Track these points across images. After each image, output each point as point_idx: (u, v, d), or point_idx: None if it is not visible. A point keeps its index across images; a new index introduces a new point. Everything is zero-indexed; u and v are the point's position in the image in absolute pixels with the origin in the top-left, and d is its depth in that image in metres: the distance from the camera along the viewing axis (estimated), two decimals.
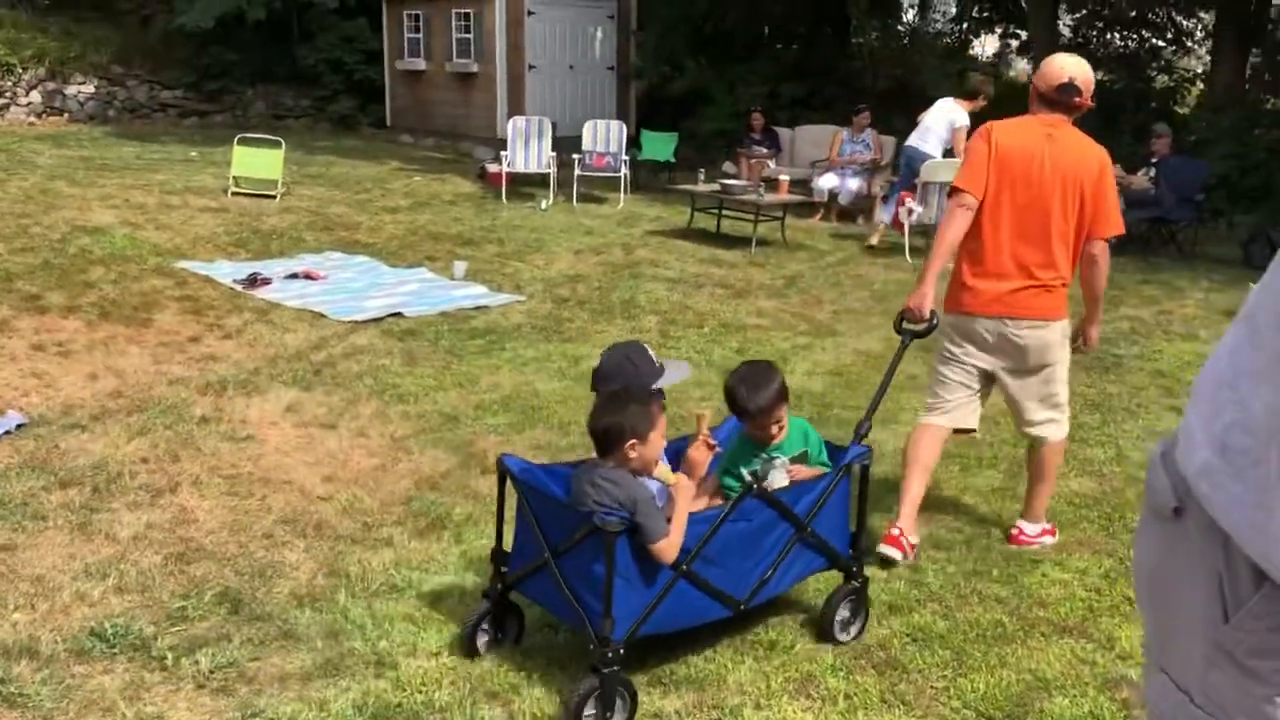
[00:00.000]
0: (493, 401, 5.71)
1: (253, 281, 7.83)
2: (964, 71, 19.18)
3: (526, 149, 13.00)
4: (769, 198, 10.37)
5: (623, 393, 3.20)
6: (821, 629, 3.55)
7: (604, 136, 13.27)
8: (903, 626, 3.68)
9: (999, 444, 5.45)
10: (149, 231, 9.46)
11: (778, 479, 3.43)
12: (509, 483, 3.28)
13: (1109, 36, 17.67)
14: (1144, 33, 17.34)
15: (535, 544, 3.18)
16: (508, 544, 3.37)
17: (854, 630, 3.58)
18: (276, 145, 11.85)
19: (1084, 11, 17.31)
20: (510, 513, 3.35)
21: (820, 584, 3.80)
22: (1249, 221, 12.23)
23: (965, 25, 19.64)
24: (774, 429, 3.59)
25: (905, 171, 10.67)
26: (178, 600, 3.57)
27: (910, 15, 19.64)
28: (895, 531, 4.10)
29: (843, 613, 3.56)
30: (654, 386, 3.31)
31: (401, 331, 6.95)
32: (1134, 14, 16.72)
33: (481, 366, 6.32)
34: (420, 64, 17.96)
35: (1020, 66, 20.35)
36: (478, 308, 7.63)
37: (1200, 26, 17.19)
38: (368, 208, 11.59)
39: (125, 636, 3.33)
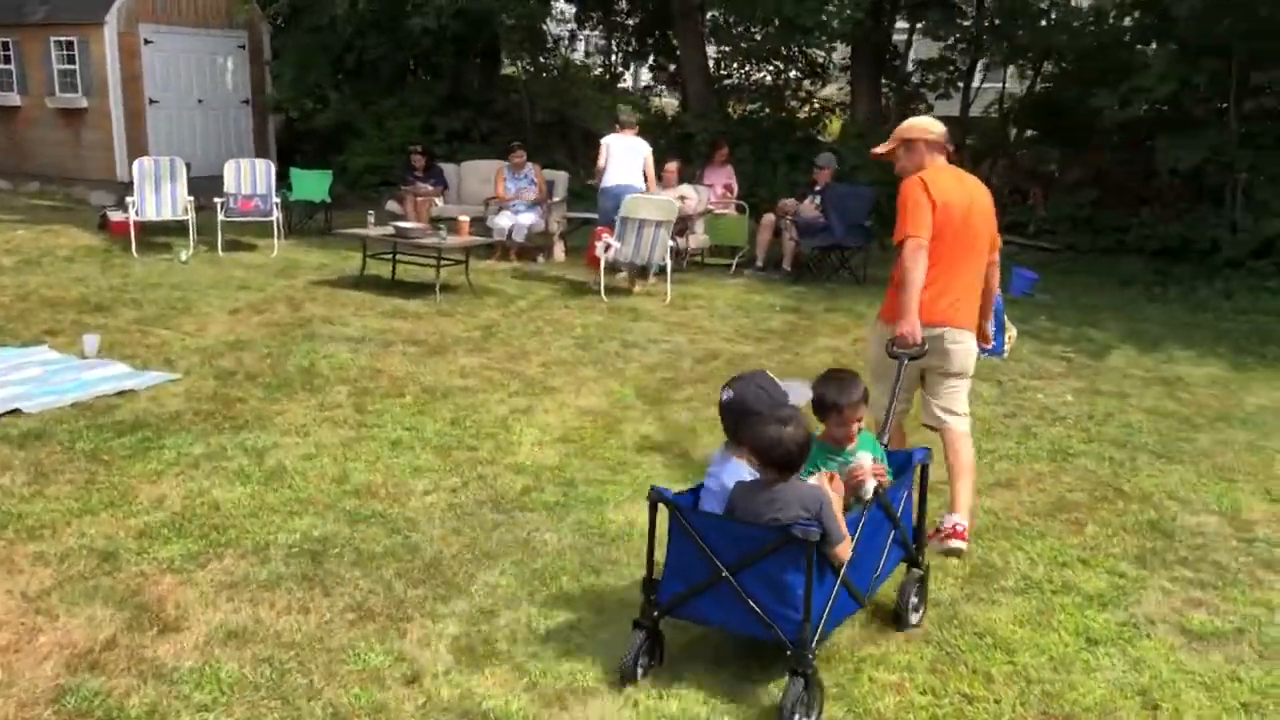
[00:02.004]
0: (160, 525, 4.48)
1: None
2: (616, 103, 19.23)
3: (157, 193, 11.32)
4: (451, 240, 9.50)
5: (793, 415, 3.44)
6: (896, 615, 3.87)
7: (249, 176, 11.85)
8: None
9: None
10: None
11: (871, 483, 3.74)
12: (661, 512, 3.48)
13: (746, 69, 18.23)
14: (779, 65, 18.03)
15: (701, 566, 3.38)
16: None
17: (920, 613, 3.95)
18: None
19: (728, 47, 17.73)
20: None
21: None
22: None
23: (616, 58, 19.64)
24: (855, 429, 3.89)
25: (609, 207, 10.18)
26: None
27: (562, 47, 19.36)
28: (962, 526, 4.57)
29: (913, 599, 3.91)
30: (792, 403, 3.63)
31: (22, 435, 5.47)
32: (768, 47, 17.33)
33: (137, 475, 5.02)
34: (13, 98, 15.47)
35: (667, 99, 20.66)
36: (121, 393, 6.22)
37: (829, 60, 18.11)
38: None
39: None
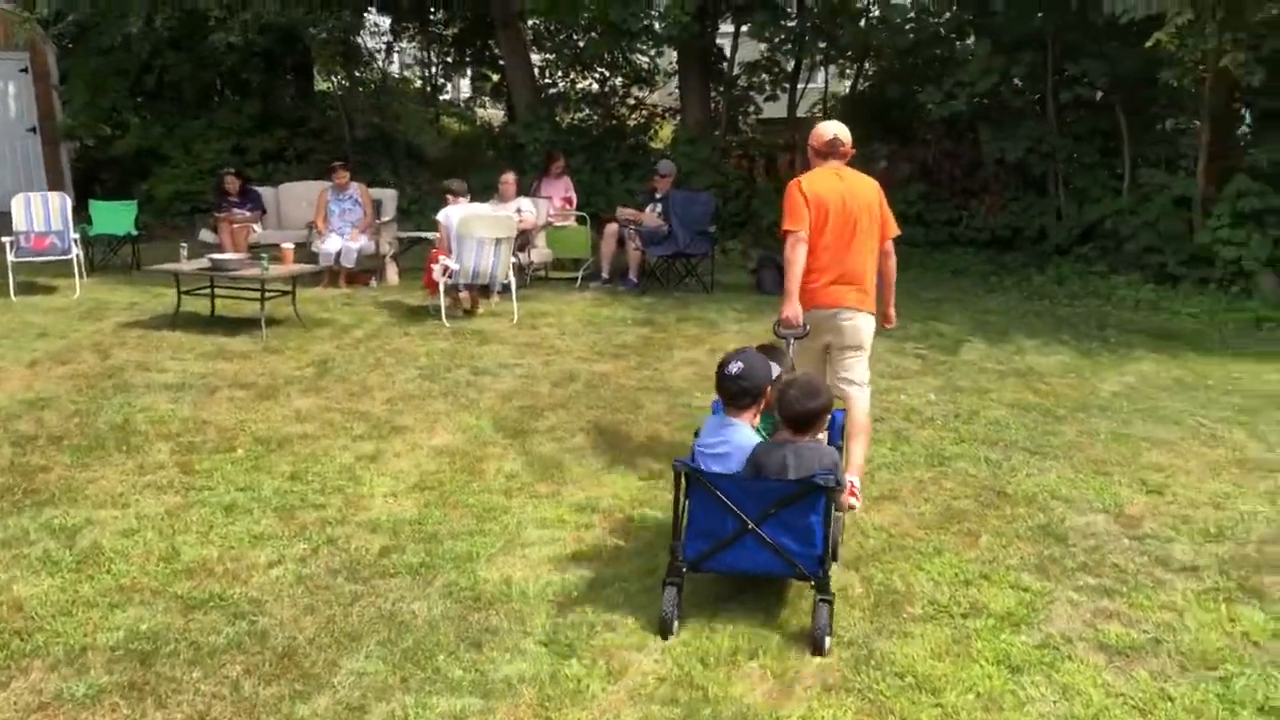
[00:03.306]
0: None
1: None
2: (439, 116, 18.63)
3: None
4: (275, 270, 8.78)
5: (809, 382, 4.17)
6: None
7: (41, 211, 10.77)
8: None
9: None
10: None
11: None
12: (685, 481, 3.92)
13: (572, 77, 17.88)
14: (605, 72, 17.76)
15: (725, 522, 3.88)
16: None
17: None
18: None
19: (552, 55, 17.36)
20: None
21: None
22: (755, 250, 12.70)
23: (436, 70, 18.99)
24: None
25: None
26: None
27: (379, 60, 18.57)
28: (856, 485, 5.00)
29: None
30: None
31: None
32: (590, 54, 17.04)
33: None
34: None
35: (492, 110, 20.14)
36: None
37: (654, 65, 17.94)
38: None
39: None
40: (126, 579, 4.20)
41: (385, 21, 18.85)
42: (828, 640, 3.74)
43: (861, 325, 5.18)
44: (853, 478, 4.89)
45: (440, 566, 4.36)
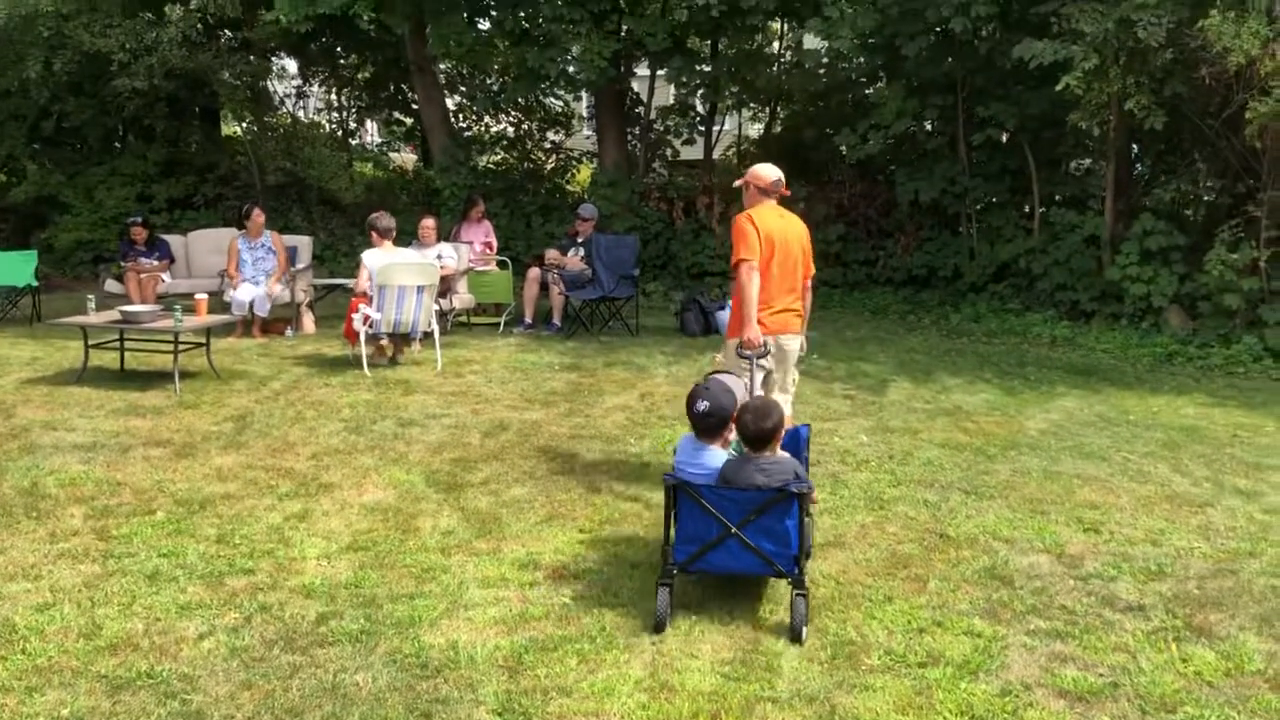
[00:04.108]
0: None
1: None
2: (352, 161, 18.36)
3: None
4: (189, 321, 8.47)
5: (762, 405, 4.66)
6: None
7: None
8: None
9: None
10: None
11: None
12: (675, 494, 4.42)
13: (486, 121, 17.77)
14: (519, 115, 17.70)
15: (710, 527, 4.32)
16: None
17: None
18: None
19: (466, 100, 17.24)
20: None
21: None
22: (677, 292, 12.69)
23: (348, 114, 18.72)
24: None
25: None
26: None
27: (289, 105, 18.23)
28: None
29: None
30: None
31: None
32: (502, 98, 16.97)
33: None
34: None
35: (406, 154, 19.91)
36: None
37: (568, 109, 17.95)
38: None
39: None
40: (44, 659, 3.93)
41: (293, 65, 18.55)
42: (805, 629, 4.15)
43: (796, 346, 5.81)
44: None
45: (382, 632, 4.17)
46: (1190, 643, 4.17)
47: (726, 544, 4.31)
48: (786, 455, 4.66)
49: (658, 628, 4.18)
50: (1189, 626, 4.32)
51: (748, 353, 5.43)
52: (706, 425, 4.66)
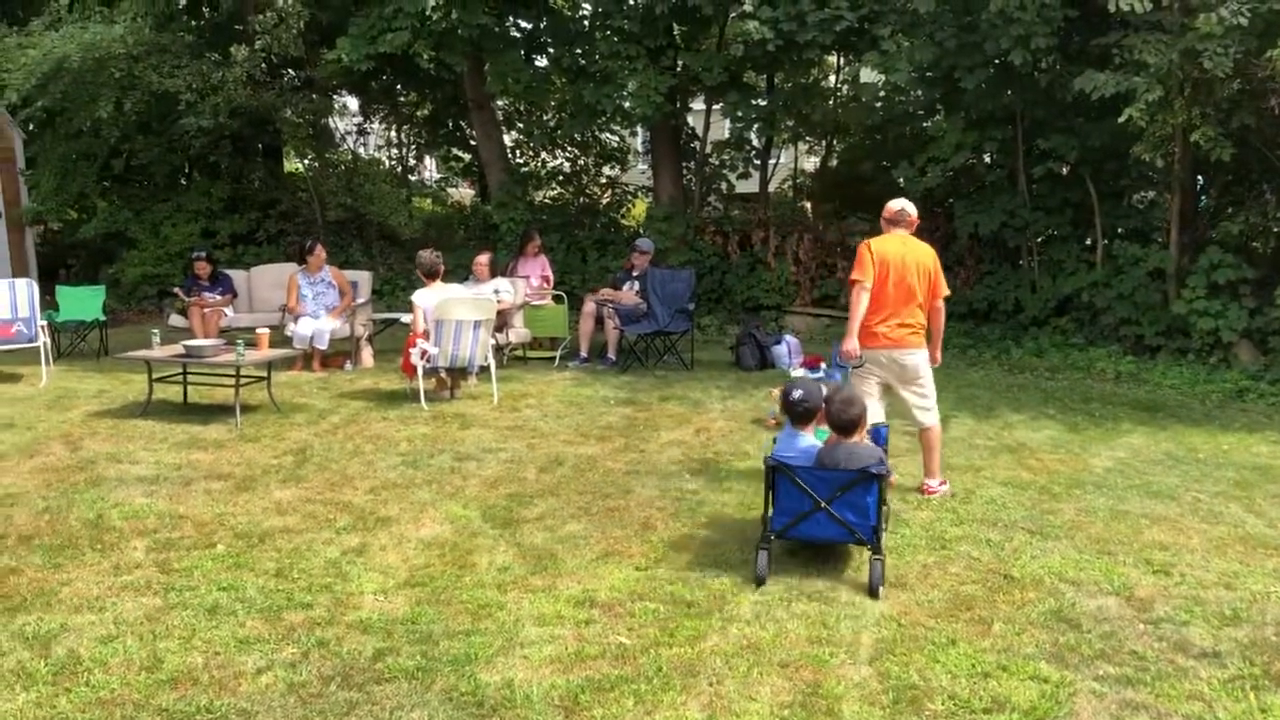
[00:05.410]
0: None
1: None
2: (411, 197, 18.60)
3: None
4: (251, 355, 8.60)
5: (847, 395, 5.47)
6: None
7: (6, 298, 10.53)
8: None
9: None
10: None
11: None
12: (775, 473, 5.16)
13: (542, 157, 17.93)
14: (575, 151, 17.83)
15: (802, 501, 5.09)
16: None
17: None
18: None
19: (523, 136, 17.40)
20: None
21: None
22: (732, 327, 12.63)
23: (407, 151, 19.01)
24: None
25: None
26: None
27: (350, 142, 18.57)
28: (931, 486, 6.66)
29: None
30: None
31: None
32: (559, 133, 17.11)
33: None
34: None
35: (464, 190, 20.15)
36: None
37: (624, 144, 18.05)
38: None
39: None
40: (107, 691, 3.97)
41: (354, 103, 18.90)
42: (881, 588, 4.92)
43: (918, 361, 6.38)
44: (930, 480, 6.57)
45: (438, 669, 4.16)
46: (1270, 692, 4.02)
47: (817, 516, 5.07)
48: (870, 443, 5.40)
49: (758, 582, 5.00)
50: (1268, 675, 4.16)
51: (843, 362, 6.38)
52: (801, 411, 5.44)
